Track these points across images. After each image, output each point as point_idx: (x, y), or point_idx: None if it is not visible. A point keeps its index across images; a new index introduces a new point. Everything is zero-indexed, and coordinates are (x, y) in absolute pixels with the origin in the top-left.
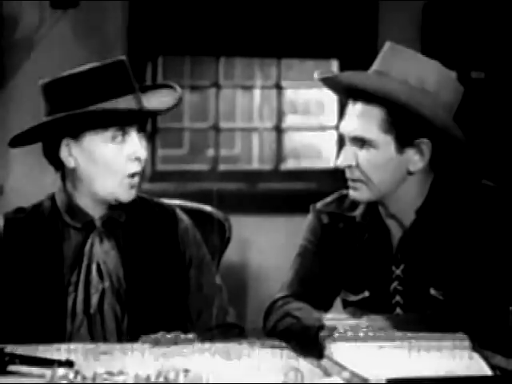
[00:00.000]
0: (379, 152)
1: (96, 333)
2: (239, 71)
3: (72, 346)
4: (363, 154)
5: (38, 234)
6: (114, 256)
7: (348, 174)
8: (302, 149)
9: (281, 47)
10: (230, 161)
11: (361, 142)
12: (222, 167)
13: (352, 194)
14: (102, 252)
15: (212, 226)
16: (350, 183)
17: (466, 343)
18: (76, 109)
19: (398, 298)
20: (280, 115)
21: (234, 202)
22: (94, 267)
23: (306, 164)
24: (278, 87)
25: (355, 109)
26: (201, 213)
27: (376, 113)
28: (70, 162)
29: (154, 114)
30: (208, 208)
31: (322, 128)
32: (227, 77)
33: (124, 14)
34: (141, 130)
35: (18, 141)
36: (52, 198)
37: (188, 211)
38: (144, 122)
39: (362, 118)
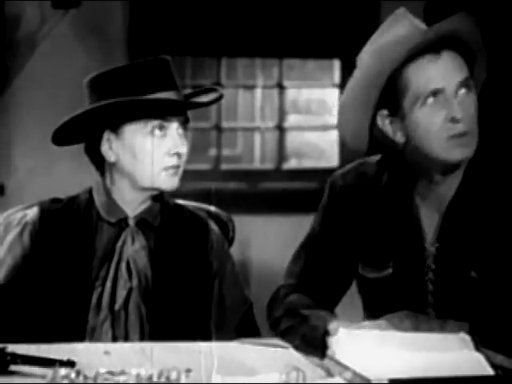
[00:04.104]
0: (474, 95)
1: (119, 329)
2: (241, 71)
3: (74, 345)
4: (468, 100)
5: (71, 226)
6: (144, 256)
7: (456, 130)
8: (303, 148)
9: (282, 47)
10: (231, 160)
11: (465, 87)
12: (224, 167)
13: (461, 154)
14: (133, 250)
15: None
16: (459, 141)
17: (469, 343)
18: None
19: (430, 275)
20: (282, 115)
21: (236, 201)
22: (123, 264)
23: (308, 164)
24: (280, 87)
25: (445, 58)
26: (204, 212)
27: (458, 56)
28: (110, 157)
29: (193, 107)
30: (211, 208)
31: (324, 127)
32: (229, 77)
33: (125, 15)
34: (182, 126)
35: (61, 136)
36: (89, 191)
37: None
38: (185, 118)
39: (457, 64)
